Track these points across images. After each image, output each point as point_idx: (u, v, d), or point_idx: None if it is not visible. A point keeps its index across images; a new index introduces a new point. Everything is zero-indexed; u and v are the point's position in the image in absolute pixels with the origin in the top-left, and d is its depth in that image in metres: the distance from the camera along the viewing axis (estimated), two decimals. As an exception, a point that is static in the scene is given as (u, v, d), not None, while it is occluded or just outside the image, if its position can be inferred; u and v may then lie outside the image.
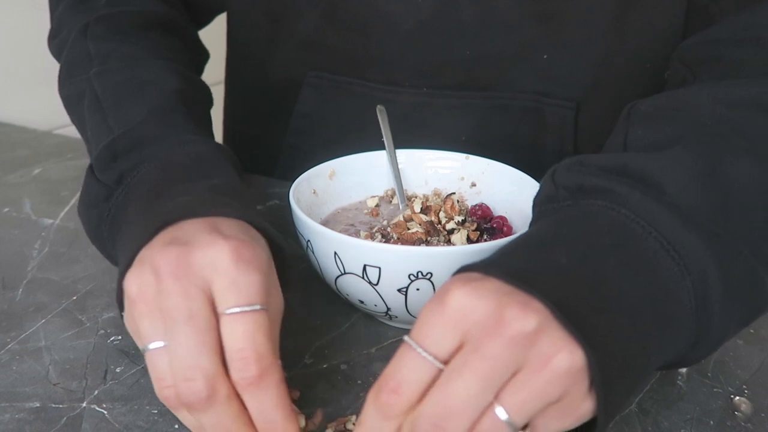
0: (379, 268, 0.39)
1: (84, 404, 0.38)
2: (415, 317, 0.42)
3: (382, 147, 0.53)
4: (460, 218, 0.48)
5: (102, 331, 0.45)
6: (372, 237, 0.46)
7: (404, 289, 0.40)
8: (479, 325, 0.28)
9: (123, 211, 0.41)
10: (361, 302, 0.43)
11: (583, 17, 0.55)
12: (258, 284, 0.33)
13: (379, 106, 0.55)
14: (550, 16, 0.56)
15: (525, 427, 0.29)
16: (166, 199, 0.38)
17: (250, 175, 0.73)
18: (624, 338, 0.29)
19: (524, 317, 0.27)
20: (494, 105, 0.60)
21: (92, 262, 0.54)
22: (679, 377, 0.42)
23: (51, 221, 0.61)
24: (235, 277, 0.32)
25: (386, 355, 0.43)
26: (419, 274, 0.39)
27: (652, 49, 0.56)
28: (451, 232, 0.47)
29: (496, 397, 0.27)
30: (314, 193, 0.50)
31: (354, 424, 0.37)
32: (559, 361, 0.27)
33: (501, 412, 0.27)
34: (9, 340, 0.44)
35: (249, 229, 0.36)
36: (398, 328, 0.46)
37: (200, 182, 0.40)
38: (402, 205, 0.51)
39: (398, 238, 0.45)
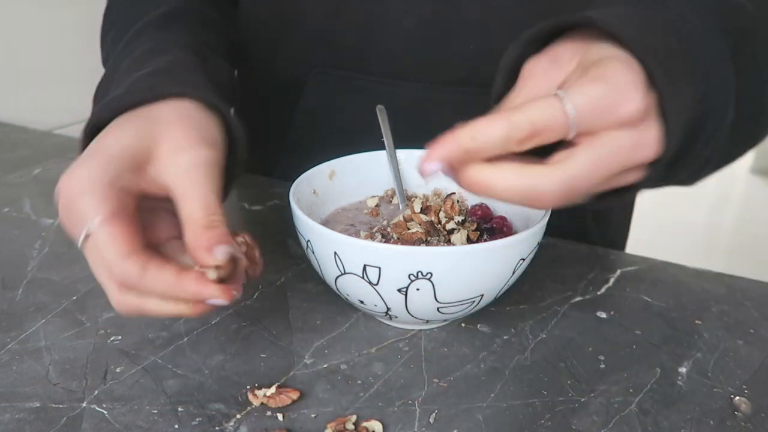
0: (379, 268, 0.39)
1: (84, 404, 0.38)
2: (415, 317, 0.43)
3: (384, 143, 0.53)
4: (460, 218, 0.48)
5: (102, 331, 0.45)
6: (372, 237, 0.46)
7: (404, 289, 0.40)
8: (624, 122, 0.31)
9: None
10: (361, 302, 0.43)
11: None
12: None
13: (379, 105, 0.55)
14: (551, 14, 0.56)
15: None
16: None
17: (251, 175, 0.74)
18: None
19: (657, 144, 0.32)
20: None
21: (92, 262, 0.54)
22: (679, 377, 0.42)
23: (51, 221, 0.61)
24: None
25: (386, 355, 0.43)
26: (419, 274, 0.39)
27: None
28: (451, 232, 0.47)
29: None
30: (314, 193, 0.50)
31: (354, 424, 0.37)
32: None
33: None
34: (9, 340, 0.44)
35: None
36: (398, 328, 0.46)
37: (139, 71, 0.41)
38: (402, 205, 0.51)
39: (398, 238, 0.45)
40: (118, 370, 0.41)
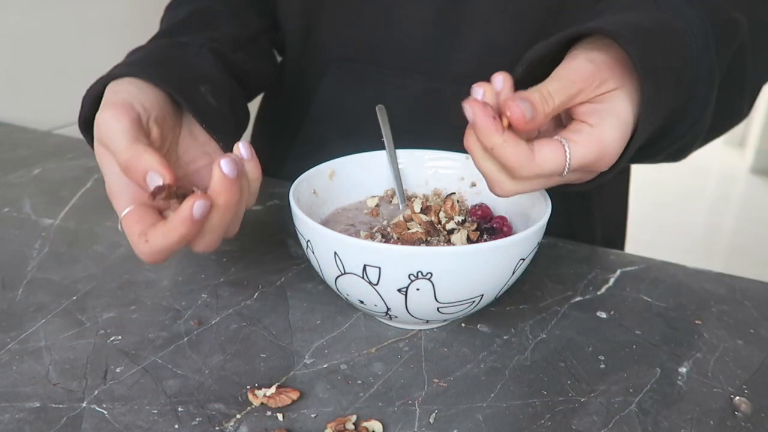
0: (379, 268, 0.39)
1: (84, 404, 0.38)
2: (415, 317, 0.43)
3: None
4: (460, 218, 0.48)
5: (102, 331, 0.45)
6: (372, 237, 0.46)
7: (404, 289, 0.40)
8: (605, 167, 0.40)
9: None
10: (361, 302, 0.43)
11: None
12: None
13: (378, 105, 0.55)
14: (562, 9, 0.57)
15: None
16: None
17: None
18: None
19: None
20: None
21: (92, 262, 0.54)
22: (679, 377, 0.42)
23: (51, 221, 0.61)
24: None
25: (386, 355, 0.43)
26: (419, 274, 0.39)
27: None
28: (451, 232, 0.47)
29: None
30: (314, 193, 0.50)
31: (354, 424, 0.37)
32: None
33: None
34: (9, 340, 0.44)
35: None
36: (398, 328, 0.46)
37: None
38: (402, 205, 0.51)
39: (398, 238, 0.45)
40: (118, 370, 0.41)
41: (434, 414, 0.38)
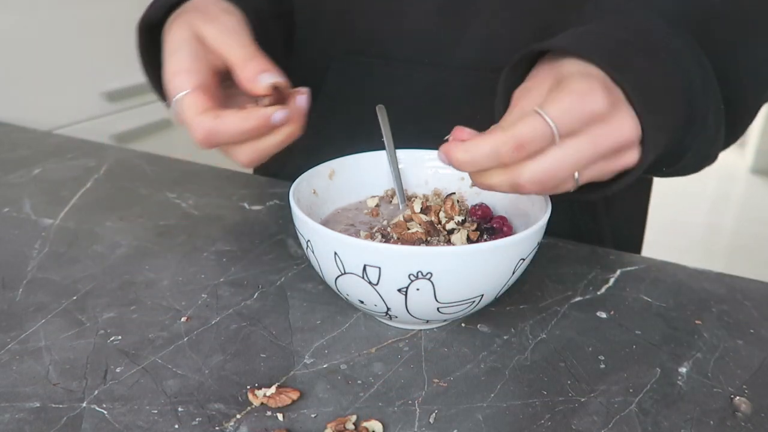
0: (379, 268, 0.39)
1: (84, 404, 0.38)
2: (415, 317, 0.43)
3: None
4: (460, 218, 0.48)
5: (102, 331, 0.45)
6: (372, 237, 0.46)
7: (404, 289, 0.40)
8: (595, 118, 0.37)
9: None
10: (361, 302, 0.43)
11: None
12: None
13: (378, 105, 0.55)
14: (567, 4, 0.57)
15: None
16: None
17: (254, 175, 0.74)
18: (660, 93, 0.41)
19: (629, 126, 0.39)
20: None
21: (92, 262, 0.54)
22: (679, 377, 0.42)
23: (51, 221, 0.61)
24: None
25: (386, 355, 0.43)
26: (419, 274, 0.39)
27: None
28: (451, 232, 0.47)
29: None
30: (314, 193, 0.50)
31: (354, 424, 0.37)
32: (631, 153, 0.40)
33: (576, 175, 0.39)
34: (9, 340, 0.44)
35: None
36: (398, 328, 0.46)
37: None
38: (402, 205, 0.51)
39: (398, 238, 0.45)
40: (118, 370, 0.41)
41: (434, 414, 0.38)
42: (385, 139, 0.53)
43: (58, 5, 1.12)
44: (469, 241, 0.46)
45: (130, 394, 0.39)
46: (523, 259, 0.42)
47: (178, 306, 0.48)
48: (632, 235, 0.76)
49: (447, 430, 0.37)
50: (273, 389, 0.39)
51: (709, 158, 0.51)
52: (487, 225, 0.49)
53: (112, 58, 1.22)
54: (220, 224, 0.61)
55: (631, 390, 0.41)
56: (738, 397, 0.40)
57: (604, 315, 0.48)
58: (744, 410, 0.39)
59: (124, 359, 0.42)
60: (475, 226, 0.48)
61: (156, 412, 0.38)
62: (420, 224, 0.46)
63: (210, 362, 0.42)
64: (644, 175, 0.47)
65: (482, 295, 0.42)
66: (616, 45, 0.42)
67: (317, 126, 0.70)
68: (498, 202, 0.51)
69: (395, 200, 0.53)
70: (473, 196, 0.53)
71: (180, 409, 0.38)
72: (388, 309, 0.42)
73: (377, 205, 0.52)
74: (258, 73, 0.44)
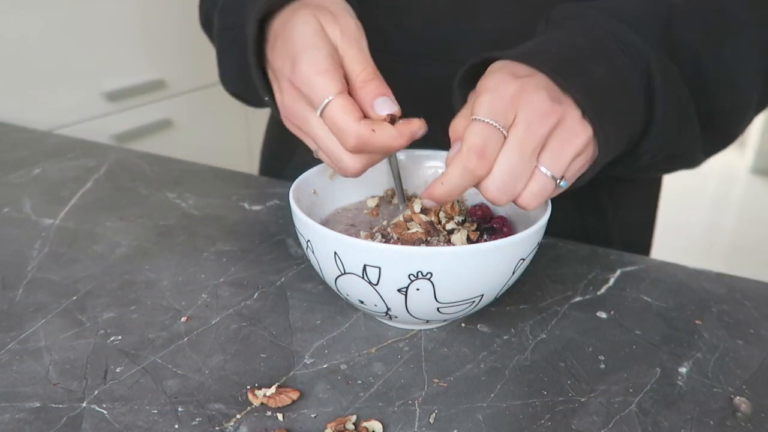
0: (379, 268, 0.39)
1: (84, 404, 0.38)
2: (415, 317, 0.43)
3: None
4: (460, 218, 0.48)
5: (102, 331, 0.45)
6: (372, 237, 0.46)
7: (404, 289, 0.40)
8: (530, 110, 0.39)
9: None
10: (361, 302, 0.43)
11: None
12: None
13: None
14: None
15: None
16: None
17: (254, 175, 0.74)
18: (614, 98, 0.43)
19: (559, 110, 0.40)
20: None
21: (92, 262, 0.54)
22: (679, 377, 0.42)
23: (51, 221, 0.61)
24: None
25: (386, 355, 0.43)
26: (419, 274, 0.39)
27: None
28: (451, 232, 0.47)
29: (538, 161, 0.40)
30: (314, 193, 0.50)
31: (354, 424, 0.37)
32: (582, 135, 0.41)
33: (545, 170, 0.40)
34: (9, 340, 0.44)
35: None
36: (398, 328, 0.46)
37: None
38: (402, 205, 0.51)
39: (398, 238, 0.45)
40: (118, 370, 0.41)
41: (434, 414, 0.38)
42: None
43: (58, 5, 1.12)
44: (469, 241, 0.46)
45: (130, 394, 0.39)
46: (523, 259, 0.42)
47: (178, 306, 0.48)
48: (641, 240, 0.76)
49: (447, 430, 0.37)
50: (273, 389, 0.39)
51: (680, 159, 0.52)
52: (487, 225, 0.49)
53: (112, 58, 1.22)
54: (220, 224, 0.61)
55: (631, 390, 0.41)
56: (738, 397, 0.40)
57: (604, 315, 0.48)
58: (744, 410, 0.39)
59: (124, 359, 0.42)
60: (475, 226, 0.48)
61: (156, 412, 0.38)
62: (420, 224, 0.46)
63: (210, 362, 0.42)
64: (606, 173, 0.49)
65: (482, 295, 0.42)
66: (558, 47, 0.44)
67: None
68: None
69: (395, 200, 0.53)
70: (473, 196, 0.53)
71: (180, 409, 0.38)
72: (388, 309, 0.42)
73: (377, 205, 0.52)
74: (375, 97, 0.43)
